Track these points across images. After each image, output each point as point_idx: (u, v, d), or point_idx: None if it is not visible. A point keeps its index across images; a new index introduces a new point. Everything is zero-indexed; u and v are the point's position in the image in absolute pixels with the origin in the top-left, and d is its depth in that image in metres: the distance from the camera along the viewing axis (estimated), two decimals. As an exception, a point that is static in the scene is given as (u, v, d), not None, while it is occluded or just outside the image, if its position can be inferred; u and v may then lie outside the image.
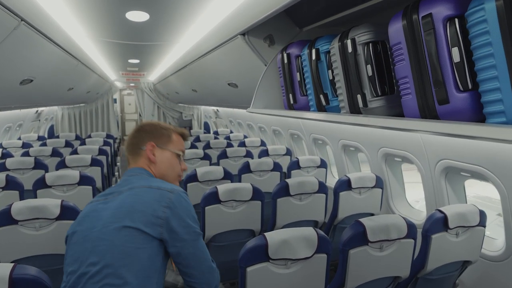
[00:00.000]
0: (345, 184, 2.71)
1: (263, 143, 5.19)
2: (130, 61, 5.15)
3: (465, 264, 2.09)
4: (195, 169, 2.92)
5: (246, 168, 3.24)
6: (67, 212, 2.04)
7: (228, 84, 2.83)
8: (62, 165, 3.64)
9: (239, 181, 3.22)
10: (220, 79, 2.83)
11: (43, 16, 2.19)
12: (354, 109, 1.70)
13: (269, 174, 3.31)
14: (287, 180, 2.55)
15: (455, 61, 1.28)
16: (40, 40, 2.42)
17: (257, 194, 2.42)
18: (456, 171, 2.30)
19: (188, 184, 2.88)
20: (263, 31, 1.96)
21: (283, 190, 2.52)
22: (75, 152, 4.47)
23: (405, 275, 1.87)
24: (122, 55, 4.60)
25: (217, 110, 8.13)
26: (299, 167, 3.49)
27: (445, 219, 1.90)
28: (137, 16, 2.29)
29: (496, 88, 1.16)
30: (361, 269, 1.75)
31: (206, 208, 2.36)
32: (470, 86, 1.29)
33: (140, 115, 11.62)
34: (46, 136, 7.59)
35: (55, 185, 2.82)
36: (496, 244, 2.22)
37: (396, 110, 1.81)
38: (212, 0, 1.98)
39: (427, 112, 1.42)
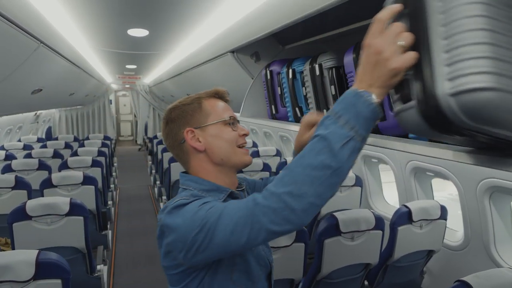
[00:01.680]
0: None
1: (254, 145, 5.44)
2: (128, 66, 5.38)
3: (430, 253, 2.37)
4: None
5: (237, 169, 3.49)
6: (75, 208, 2.28)
7: (221, 91, 3.10)
8: (64, 166, 3.85)
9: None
10: (212, 87, 3.07)
11: (57, 36, 2.43)
12: (323, 121, 2.05)
13: (259, 174, 3.57)
14: (271, 178, 2.80)
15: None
16: (53, 57, 2.65)
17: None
18: (423, 171, 2.58)
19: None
20: (250, 48, 2.22)
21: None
22: (75, 153, 4.70)
23: (375, 262, 2.13)
24: (120, 62, 4.83)
25: (212, 112, 8.32)
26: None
27: (409, 213, 2.17)
28: (138, 32, 2.53)
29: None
30: (335, 257, 2.01)
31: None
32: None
33: (135, 116, 11.81)
34: (44, 137, 7.79)
35: (60, 185, 3.04)
36: (457, 235, 2.50)
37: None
38: (207, 18, 2.24)
39: (372, 127, 1.77)
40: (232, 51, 2.19)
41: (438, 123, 0.68)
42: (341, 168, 0.73)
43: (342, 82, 1.75)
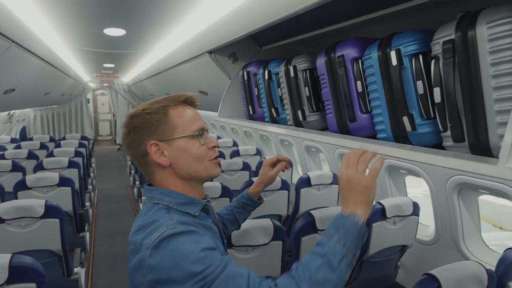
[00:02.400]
0: (305, 181, 3.02)
1: (235, 144, 5.45)
2: (105, 65, 5.28)
3: (403, 248, 2.45)
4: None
5: (217, 168, 3.50)
6: (51, 211, 2.24)
7: (199, 91, 3.08)
8: (39, 167, 3.75)
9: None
10: (191, 86, 3.07)
11: (30, 35, 2.37)
12: (297, 121, 2.12)
13: (239, 173, 3.58)
14: (253, 179, 2.83)
15: (359, 91, 1.69)
16: (26, 56, 2.59)
17: (225, 191, 2.69)
18: (397, 169, 2.66)
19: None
20: (228, 49, 2.24)
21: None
22: (51, 154, 4.58)
23: (350, 258, 2.19)
24: (97, 61, 4.74)
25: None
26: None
27: (383, 210, 2.24)
28: (115, 31, 2.50)
29: (380, 113, 1.56)
30: (312, 254, 2.06)
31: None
32: (369, 110, 1.73)
33: (114, 115, 11.60)
34: (18, 137, 7.55)
35: (35, 186, 2.97)
36: (429, 231, 2.60)
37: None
38: (184, 18, 2.24)
39: (342, 127, 1.88)
40: (210, 52, 2.20)
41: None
42: (341, 278, 0.82)
43: (316, 84, 1.82)
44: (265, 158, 3.80)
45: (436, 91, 1.64)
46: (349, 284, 2.39)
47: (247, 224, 1.87)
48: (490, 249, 2.25)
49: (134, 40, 2.85)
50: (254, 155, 4.63)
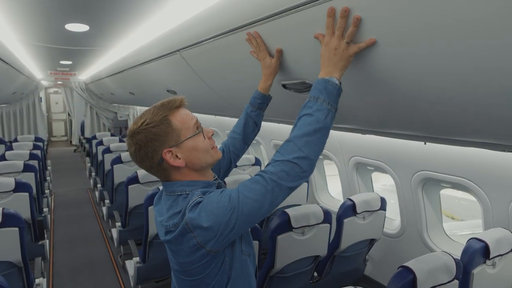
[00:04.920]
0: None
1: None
2: (62, 62, 4.99)
3: (371, 241, 2.55)
4: (136, 172, 3.04)
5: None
6: (9, 219, 2.07)
7: (167, 90, 3.00)
8: (-10, 172, 3.48)
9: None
10: (159, 85, 2.98)
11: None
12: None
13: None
14: (226, 179, 2.81)
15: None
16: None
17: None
18: (364, 165, 2.77)
19: (129, 186, 2.99)
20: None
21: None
22: (3, 157, 4.26)
23: (324, 253, 2.25)
24: (54, 57, 4.47)
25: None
26: (235, 166, 3.76)
27: (354, 206, 2.31)
28: (77, 27, 2.35)
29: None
30: (287, 252, 2.09)
31: (149, 208, 2.52)
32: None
33: (69, 114, 11.02)
34: (-38, 140, 6.94)
35: (-13, 193, 2.75)
36: (394, 224, 2.73)
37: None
38: (154, 14, 2.16)
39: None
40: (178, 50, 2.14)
41: None
42: (328, 128, 1.03)
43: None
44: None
45: None
46: (321, 279, 2.45)
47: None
48: (451, 239, 2.40)
49: (97, 37, 2.71)
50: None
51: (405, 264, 1.37)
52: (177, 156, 1.05)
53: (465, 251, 1.63)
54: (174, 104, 1.07)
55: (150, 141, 1.03)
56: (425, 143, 1.81)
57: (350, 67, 1.09)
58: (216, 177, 1.24)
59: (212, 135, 1.14)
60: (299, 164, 0.98)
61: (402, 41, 0.91)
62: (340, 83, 1.04)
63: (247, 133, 1.47)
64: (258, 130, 1.51)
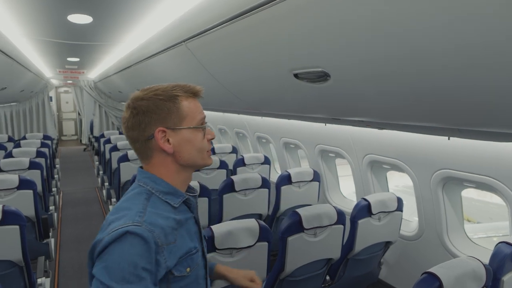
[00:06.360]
0: (285, 179, 2.94)
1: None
2: (69, 59, 4.95)
3: (387, 244, 2.42)
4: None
5: (192, 167, 3.35)
6: (9, 217, 2.01)
7: (174, 85, 2.92)
8: (-4, 169, 3.45)
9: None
10: (166, 81, 2.89)
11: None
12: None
13: (216, 172, 3.45)
14: (233, 177, 2.71)
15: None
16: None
17: (204, 191, 2.55)
18: (379, 164, 2.63)
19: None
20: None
21: (229, 187, 2.68)
22: (9, 155, 4.23)
23: (337, 256, 2.12)
24: (60, 54, 4.42)
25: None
26: (244, 164, 3.67)
27: (369, 206, 2.19)
28: (80, 18, 2.27)
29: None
30: (298, 254, 1.97)
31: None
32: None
33: (79, 114, 11.07)
34: (-28, 138, 6.97)
35: (-9, 190, 2.70)
36: (411, 226, 2.59)
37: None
38: (158, 5, 2.08)
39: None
40: (184, 41, 2.04)
41: None
42: None
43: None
44: (242, 155, 3.68)
45: None
46: (334, 283, 2.33)
47: (231, 225, 1.75)
48: (474, 243, 2.25)
49: (101, 30, 2.63)
50: (230, 153, 4.51)
51: (430, 270, 1.25)
52: (168, 140, 0.96)
53: (494, 257, 1.49)
54: (191, 90, 1.00)
55: (150, 112, 0.95)
56: (448, 138, 1.67)
57: (364, 47, 0.95)
58: (195, 192, 1.08)
59: (212, 139, 1.06)
60: None
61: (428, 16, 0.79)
62: None
63: None
64: None
